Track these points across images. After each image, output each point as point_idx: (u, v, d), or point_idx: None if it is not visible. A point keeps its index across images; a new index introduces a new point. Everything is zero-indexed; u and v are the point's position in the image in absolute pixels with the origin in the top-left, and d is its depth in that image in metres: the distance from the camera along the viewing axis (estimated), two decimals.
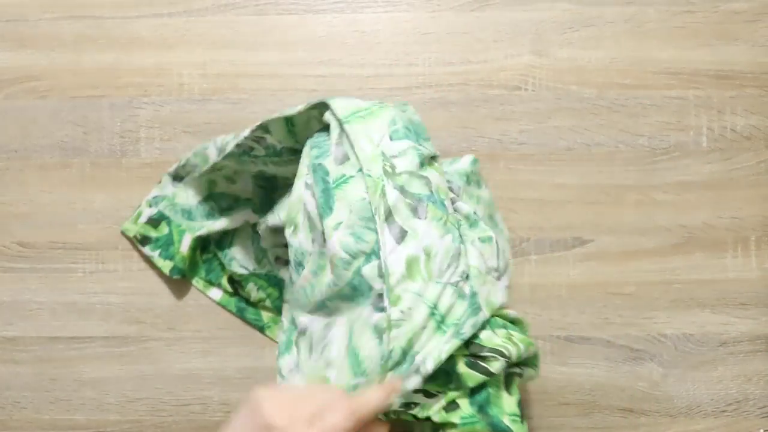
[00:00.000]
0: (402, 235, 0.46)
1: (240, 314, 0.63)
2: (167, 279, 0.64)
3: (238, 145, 0.54)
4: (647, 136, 0.64)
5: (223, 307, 0.63)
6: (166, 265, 0.62)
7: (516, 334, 0.49)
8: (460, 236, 0.48)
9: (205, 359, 0.63)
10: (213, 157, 0.58)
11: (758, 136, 0.64)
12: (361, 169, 0.47)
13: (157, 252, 0.62)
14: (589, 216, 0.64)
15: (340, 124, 0.48)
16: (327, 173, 0.48)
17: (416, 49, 0.65)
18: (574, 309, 0.63)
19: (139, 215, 0.63)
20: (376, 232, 0.46)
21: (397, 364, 0.45)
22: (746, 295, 0.63)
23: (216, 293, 0.63)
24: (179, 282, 0.64)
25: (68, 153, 0.65)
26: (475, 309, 0.46)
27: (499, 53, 0.64)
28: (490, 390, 0.47)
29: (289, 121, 0.52)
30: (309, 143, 0.50)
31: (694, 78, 0.64)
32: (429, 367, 0.45)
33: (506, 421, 0.47)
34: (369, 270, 0.46)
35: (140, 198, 0.64)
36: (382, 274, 0.45)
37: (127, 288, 0.64)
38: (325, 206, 0.47)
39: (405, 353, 0.45)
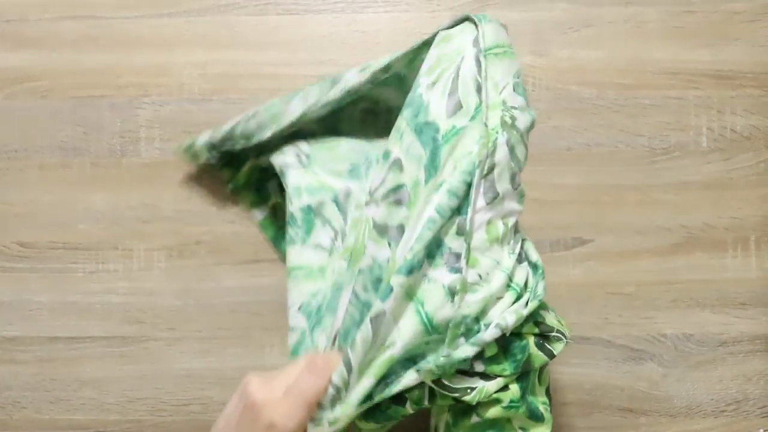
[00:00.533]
0: (493, 198, 0.42)
1: (273, 242, 0.63)
2: (167, 279, 0.64)
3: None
4: (647, 136, 0.64)
5: (262, 230, 0.63)
6: (227, 179, 0.63)
7: (555, 314, 0.48)
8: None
9: (205, 359, 0.63)
10: (296, 111, 0.56)
11: (758, 136, 0.64)
12: (474, 117, 0.42)
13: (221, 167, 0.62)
14: (589, 216, 0.64)
15: (481, 54, 0.43)
16: (437, 130, 0.42)
17: None
18: (574, 309, 0.63)
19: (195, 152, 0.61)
20: (471, 186, 0.41)
21: (469, 330, 0.43)
22: (746, 295, 0.63)
23: (258, 214, 0.63)
24: (179, 282, 0.64)
25: (68, 153, 0.65)
26: (541, 273, 0.45)
27: None
28: (531, 376, 0.46)
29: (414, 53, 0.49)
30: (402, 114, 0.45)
31: (693, 78, 0.64)
32: (510, 321, 0.42)
33: (541, 408, 0.46)
34: (448, 229, 0.42)
35: (140, 198, 0.64)
36: (462, 233, 0.42)
37: (127, 288, 0.64)
38: (431, 167, 0.42)
39: (478, 320, 0.43)
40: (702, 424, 0.63)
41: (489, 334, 0.43)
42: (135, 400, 0.63)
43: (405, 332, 0.43)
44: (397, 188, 0.44)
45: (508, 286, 0.44)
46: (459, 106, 0.43)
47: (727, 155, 0.64)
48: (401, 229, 0.44)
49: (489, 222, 0.43)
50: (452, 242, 0.42)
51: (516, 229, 0.46)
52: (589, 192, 0.64)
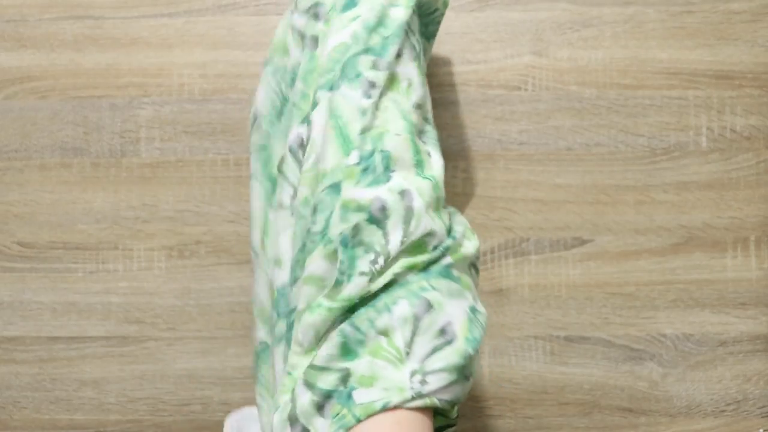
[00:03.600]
0: (416, 56, 0.47)
1: None
2: (167, 279, 0.64)
3: None
4: (647, 136, 0.64)
5: None
6: None
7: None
8: None
9: (205, 359, 0.63)
10: None
11: (758, 136, 0.64)
12: None
13: None
14: (589, 216, 0.64)
15: None
16: None
17: None
18: (574, 309, 0.63)
19: None
20: (399, 39, 0.45)
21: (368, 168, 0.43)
22: (746, 295, 0.63)
23: None
24: (179, 282, 0.64)
25: (68, 153, 0.65)
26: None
27: (499, 53, 0.64)
28: None
29: None
30: None
31: (693, 78, 0.64)
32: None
33: None
34: (364, 60, 0.45)
35: (140, 198, 0.64)
36: (378, 69, 0.44)
37: (127, 288, 0.64)
38: (350, 2, 0.46)
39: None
40: (702, 424, 0.63)
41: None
42: (135, 400, 0.63)
43: (329, 156, 0.43)
44: (317, 4, 0.48)
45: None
46: None
47: (726, 155, 0.64)
48: (315, 40, 0.47)
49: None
50: (368, 72, 0.44)
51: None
52: (589, 192, 0.64)
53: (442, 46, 0.65)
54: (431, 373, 0.38)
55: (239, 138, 0.64)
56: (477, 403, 0.63)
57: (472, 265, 0.45)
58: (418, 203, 0.41)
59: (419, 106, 0.46)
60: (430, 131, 0.47)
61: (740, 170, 0.64)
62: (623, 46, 0.64)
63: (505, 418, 0.63)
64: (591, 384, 0.63)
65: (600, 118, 0.64)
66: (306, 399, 0.38)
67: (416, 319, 0.38)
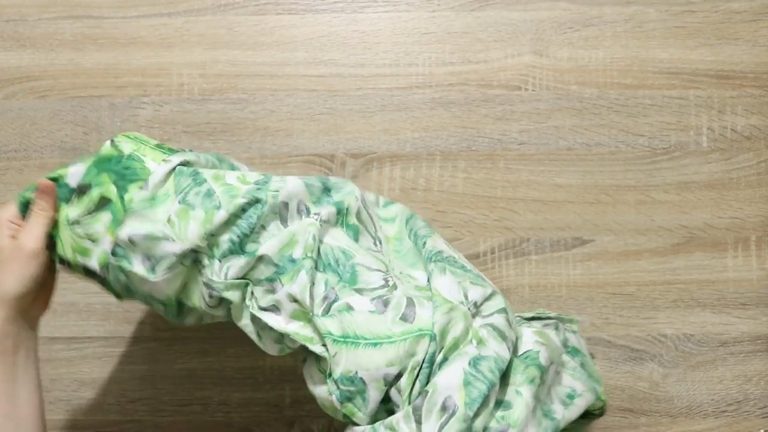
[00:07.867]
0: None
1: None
2: None
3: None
4: (647, 136, 0.64)
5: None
6: None
7: None
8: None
9: (204, 359, 0.63)
10: None
11: (758, 136, 0.64)
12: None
13: None
14: (589, 216, 0.64)
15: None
16: None
17: (416, 49, 0.64)
18: (574, 309, 0.63)
19: None
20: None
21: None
22: (746, 295, 0.63)
23: None
24: None
25: (68, 153, 0.65)
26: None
27: (499, 53, 0.64)
28: None
29: None
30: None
31: (694, 78, 0.64)
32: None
33: None
34: None
35: None
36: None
37: None
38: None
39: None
40: (703, 424, 0.63)
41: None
42: (135, 400, 0.63)
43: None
44: None
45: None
46: None
47: (727, 155, 0.64)
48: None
49: None
50: None
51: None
52: (589, 192, 0.64)
53: (442, 45, 0.64)
54: None
55: (239, 138, 0.64)
56: None
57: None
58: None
59: None
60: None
61: (741, 170, 0.64)
62: (624, 45, 0.64)
63: None
64: None
65: (600, 117, 0.64)
66: None
67: (416, 409, 0.41)
